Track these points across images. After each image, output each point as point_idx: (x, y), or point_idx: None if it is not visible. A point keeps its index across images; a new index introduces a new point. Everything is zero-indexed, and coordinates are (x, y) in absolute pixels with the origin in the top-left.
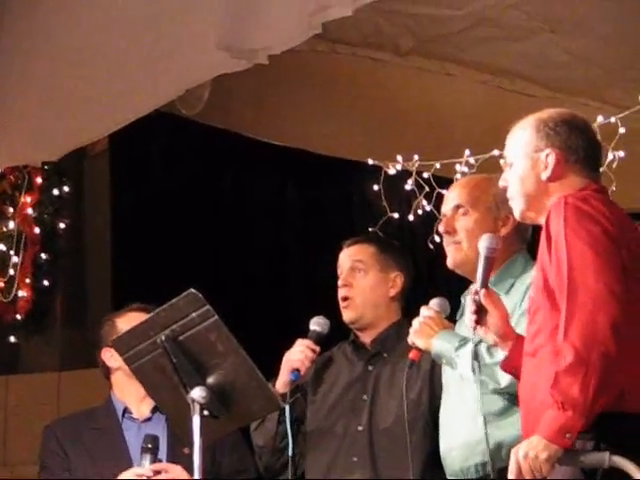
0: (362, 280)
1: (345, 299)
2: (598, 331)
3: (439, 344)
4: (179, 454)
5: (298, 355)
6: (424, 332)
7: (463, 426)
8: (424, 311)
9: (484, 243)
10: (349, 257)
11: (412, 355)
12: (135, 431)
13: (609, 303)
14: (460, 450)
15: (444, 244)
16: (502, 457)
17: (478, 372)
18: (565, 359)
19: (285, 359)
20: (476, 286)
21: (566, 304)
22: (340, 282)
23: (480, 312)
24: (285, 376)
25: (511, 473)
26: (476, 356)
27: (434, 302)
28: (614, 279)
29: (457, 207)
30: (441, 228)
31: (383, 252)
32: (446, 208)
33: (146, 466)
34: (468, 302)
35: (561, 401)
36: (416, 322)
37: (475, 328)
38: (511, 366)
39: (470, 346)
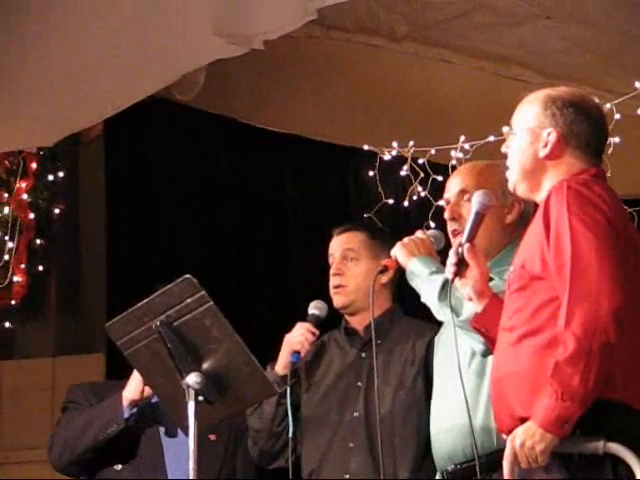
0: (354, 268)
1: (338, 287)
2: (600, 320)
3: (417, 264)
4: (205, 440)
5: (299, 337)
6: (409, 248)
7: (451, 410)
8: (419, 233)
9: (478, 198)
10: (340, 245)
11: (387, 262)
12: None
13: (612, 291)
14: (448, 434)
15: (448, 231)
16: (492, 441)
17: (445, 300)
18: (567, 349)
19: (285, 341)
20: (461, 239)
21: (569, 291)
22: (332, 271)
23: (461, 265)
24: (285, 358)
25: (506, 460)
26: (446, 286)
27: (431, 232)
28: (617, 266)
29: (462, 192)
30: (447, 214)
31: (373, 239)
32: (450, 194)
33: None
34: (451, 253)
35: (561, 391)
36: (407, 239)
37: (453, 280)
38: (482, 324)
39: (444, 276)
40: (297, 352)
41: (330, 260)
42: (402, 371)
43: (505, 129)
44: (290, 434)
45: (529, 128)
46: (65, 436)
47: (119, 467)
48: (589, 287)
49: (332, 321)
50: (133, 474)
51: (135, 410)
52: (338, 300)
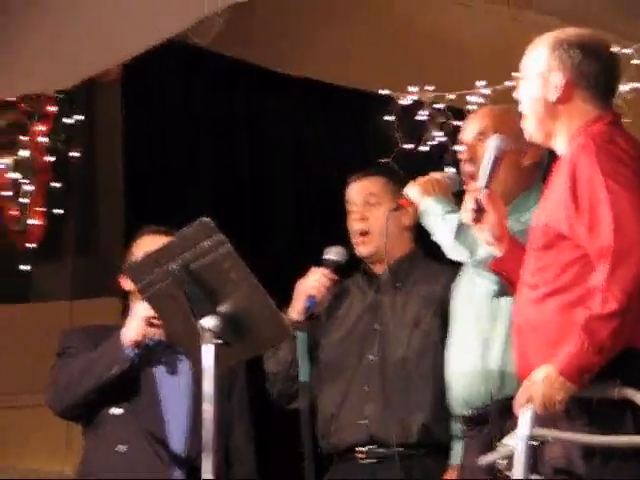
0: (377, 212)
1: (363, 234)
2: None
3: (431, 203)
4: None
5: (314, 282)
6: (424, 187)
7: (467, 354)
8: (434, 173)
9: (495, 142)
10: (361, 191)
11: (401, 201)
12: (160, 353)
13: None
14: (464, 378)
15: (462, 173)
16: (508, 386)
17: (459, 238)
18: (604, 306)
19: (298, 287)
20: (478, 184)
21: (613, 250)
22: (356, 216)
23: (479, 210)
24: (300, 303)
25: (517, 404)
26: (461, 226)
27: (447, 173)
28: None
29: (480, 134)
30: (463, 156)
31: (393, 182)
32: (467, 136)
33: None
34: (467, 198)
35: (588, 344)
36: (422, 178)
37: (472, 225)
38: (501, 267)
39: (460, 216)
40: (312, 297)
41: (348, 206)
42: (418, 313)
43: (516, 74)
44: (307, 379)
45: (538, 72)
46: (66, 379)
47: (117, 412)
48: (631, 246)
49: (357, 268)
50: (131, 415)
51: (137, 350)
52: (364, 249)
